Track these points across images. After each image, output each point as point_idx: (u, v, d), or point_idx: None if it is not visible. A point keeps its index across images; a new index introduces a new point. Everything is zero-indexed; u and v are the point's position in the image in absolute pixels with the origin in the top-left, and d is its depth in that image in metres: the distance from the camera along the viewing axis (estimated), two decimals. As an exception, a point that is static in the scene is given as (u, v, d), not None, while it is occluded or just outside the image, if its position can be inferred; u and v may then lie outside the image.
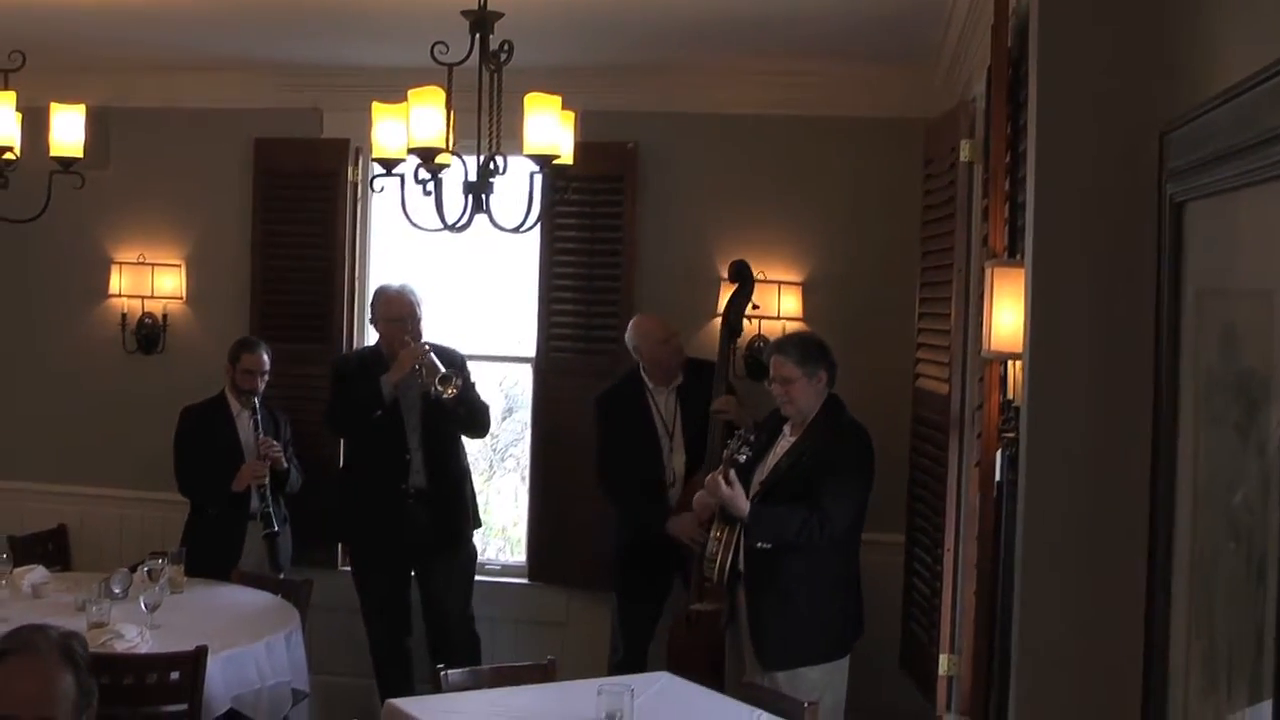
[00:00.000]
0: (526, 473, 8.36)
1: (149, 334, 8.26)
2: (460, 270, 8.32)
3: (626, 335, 7.17)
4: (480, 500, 7.78)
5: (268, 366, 7.40)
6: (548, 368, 7.93)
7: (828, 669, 6.00)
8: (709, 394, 6.87)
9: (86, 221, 8.04)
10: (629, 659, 6.97)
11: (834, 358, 6.15)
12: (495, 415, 8.29)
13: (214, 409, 7.46)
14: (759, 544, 5.98)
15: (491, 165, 4.80)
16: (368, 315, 7.63)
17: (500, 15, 4.77)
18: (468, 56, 4.72)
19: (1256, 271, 2.09)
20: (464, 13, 4.75)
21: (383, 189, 4.91)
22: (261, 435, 7.30)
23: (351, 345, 8.05)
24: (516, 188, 4.91)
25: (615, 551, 7.21)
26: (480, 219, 4.86)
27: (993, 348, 4.06)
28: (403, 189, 4.80)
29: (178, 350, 8.25)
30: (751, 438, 6.16)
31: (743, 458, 6.05)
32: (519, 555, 8.39)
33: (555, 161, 4.85)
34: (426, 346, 7.08)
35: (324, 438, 7.67)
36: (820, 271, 7.56)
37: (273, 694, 5.98)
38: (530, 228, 5.03)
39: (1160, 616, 2.53)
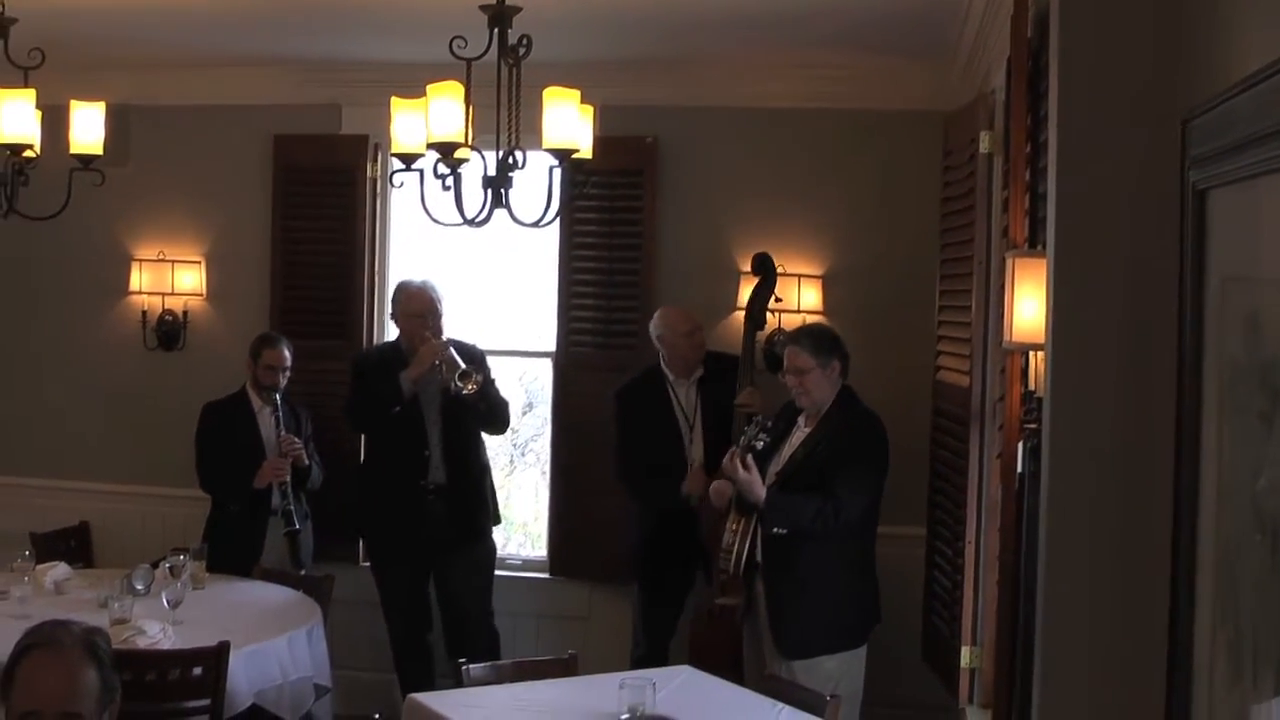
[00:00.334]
0: (547, 467, 8.36)
1: (169, 331, 8.27)
2: (480, 265, 8.32)
3: (651, 324, 7.17)
4: (501, 495, 7.78)
5: (289, 362, 7.40)
6: (568, 362, 7.93)
7: (845, 658, 6.02)
8: (729, 387, 6.86)
9: (107, 219, 8.05)
10: (651, 653, 6.97)
11: (847, 349, 6.19)
12: (515, 410, 8.28)
13: (235, 405, 7.47)
14: (774, 530, 5.98)
15: (511, 160, 4.78)
16: (388, 310, 7.63)
17: (519, 9, 4.76)
18: (486, 51, 4.71)
19: (1281, 259, 2.08)
20: (483, 7, 4.74)
21: (402, 184, 4.92)
22: (283, 432, 7.30)
23: (372, 341, 8.05)
24: (536, 182, 4.90)
25: (636, 545, 7.21)
26: (500, 214, 4.85)
27: (1014, 339, 4.05)
28: (422, 184, 4.80)
29: (198, 347, 8.26)
30: (769, 424, 6.19)
31: (760, 444, 6.08)
32: (540, 550, 8.39)
33: (574, 156, 4.84)
34: (447, 343, 7.08)
35: (345, 433, 7.68)
36: (840, 264, 7.55)
37: (295, 689, 5.99)
38: (549, 222, 5.02)
39: (1184, 607, 2.52)
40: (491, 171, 4.81)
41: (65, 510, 8.19)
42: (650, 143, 7.70)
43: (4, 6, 5.28)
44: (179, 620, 5.91)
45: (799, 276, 7.47)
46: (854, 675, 6.06)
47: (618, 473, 7.20)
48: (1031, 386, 4.32)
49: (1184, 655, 2.51)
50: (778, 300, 7.14)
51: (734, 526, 6.20)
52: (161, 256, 8.24)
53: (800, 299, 7.47)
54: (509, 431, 8.13)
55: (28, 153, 5.34)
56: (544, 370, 8.43)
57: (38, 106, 5.32)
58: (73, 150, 5.49)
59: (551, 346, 8.01)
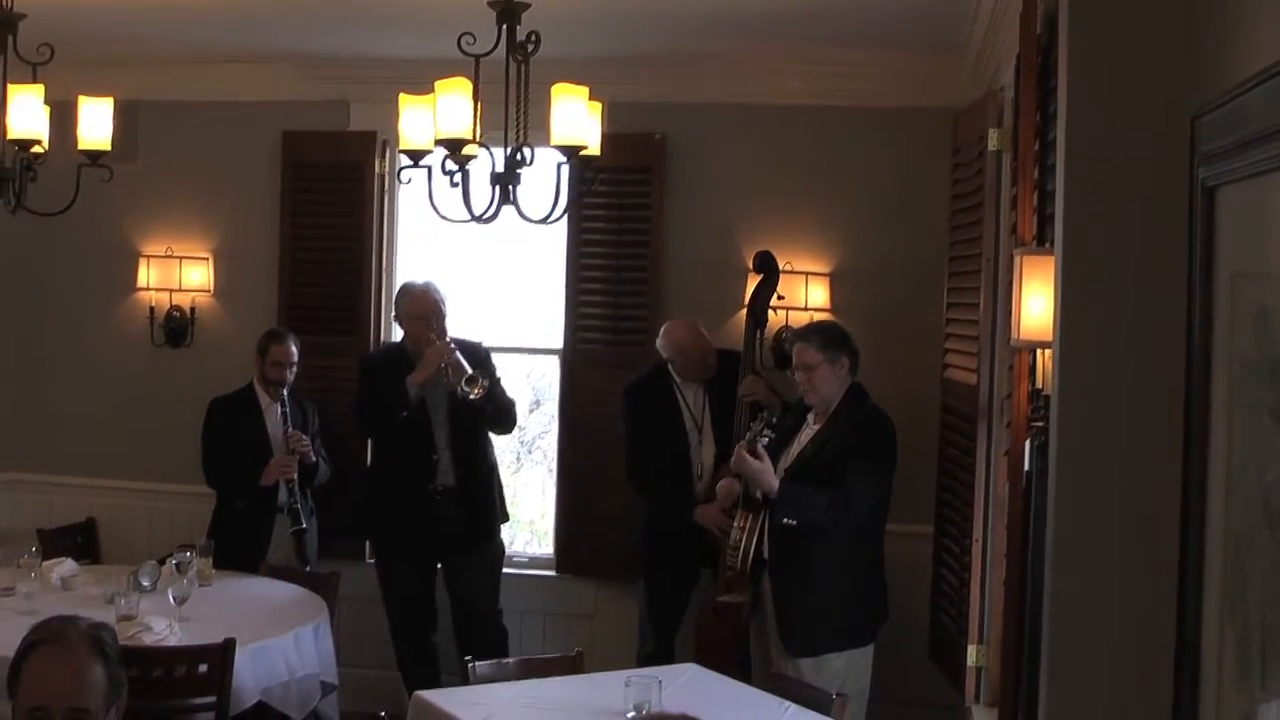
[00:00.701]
0: (554, 465, 8.36)
1: (177, 327, 8.27)
2: (487, 262, 8.32)
3: (659, 342, 7.16)
4: (508, 493, 7.77)
5: (296, 358, 7.40)
6: (575, 360, 7.93)
7: (852, 656, 6.01)
8: (736, 383, 6.85)
9: (115, 215, 8.06)
10: (658, 650, 6.96)
11: (855, 345, 6.17)
12: (522, 408, 8.28)
13: (242, 401, 7.47)
14: (784, 520, 5.96)
15: (519, 156, 4.78)
16: (393, 312, 7.62)
17: (527, 6, 4.75)
18: (495, 47, 4.70)
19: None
20: (491, 4, 4.73)
21: (410, 180, 4.92)
22: (290, 428, 7.31)
23: (379, 337, 8.05)
24: (544, 179, 4.90)
25: (643, 539, 7.20)
26: (507, 210, 4.85)
27: (1022, 336, 4.05)
28: (430, 180, 4.80)
29: (206, 343, 8.27)
30: (774, 420, 6.19)
31: (765, 440, 6.06)
32: (546, 547, 8.38)
33: (582, 153, 4.83)
34: (452, 346, 7.08)
35: (352, 429, 7.67)
36: (848, 262, 7.55)
37: (301, 686, 5.99)
38: (557, 219, 5.01)
39: (1192, 604, 2.51)
40: (499, 168, 4.81)
41: (72, 506, 8.21)
42: (658, 139, 7.69)
43: (13, 2, 5.27)
44: (185, 617, 5.92)
45: (806, 274, 7.47)
46: (861, 674, 6.05)
47: (629, 473, 7.20)
48: (1039, 384, 4.32)
49: (1192, 652, 2.51)
50: (780, 298, 7.13)
51: (741, 523, 6.20)
52: (169, 253, 8.24)
53: (808, 297, 7.47)
54: (515, 429, 8.12)
55: (36, 148, 5.33)
56: (551, 367, 8.42)
57: (46, 102, 5.31)
58: (81, 146, 5.48)
59: (559, 343, 8.00)
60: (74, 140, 5.50)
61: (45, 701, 3.27)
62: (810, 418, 6.22)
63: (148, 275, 8.27)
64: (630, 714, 4.78)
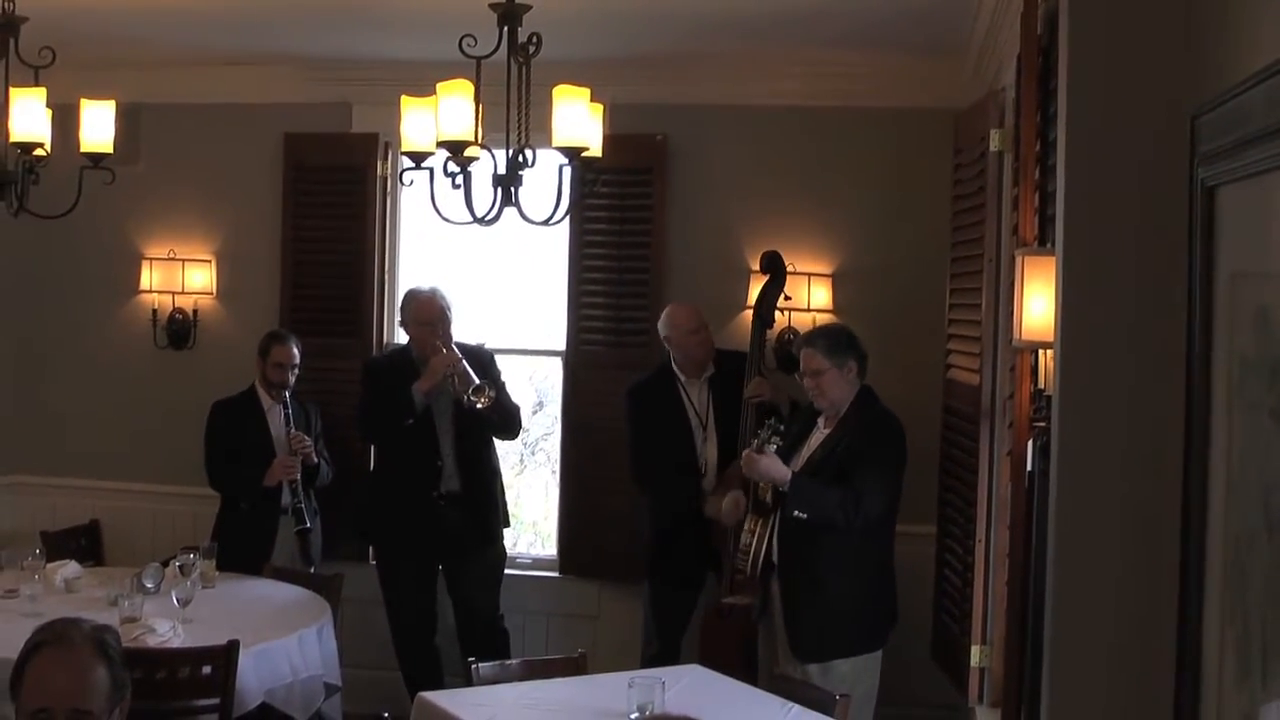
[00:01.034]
0: (557, 466, 8.35)
1: (179, 329, 8.28)
2: (489, 264, 8.31)
3: (659, 322, 7.18)
4: (510, 495, 7.79)
5: (298, 359, 7.40)
6: (577, 361, 7.93)
7: (860, 661, 5.97)
8: (741, 384, 6.85)
9: (117, 217, 8.07)
10: (664, 652, 6.95)
11: (864, 348, 6.14)
12: (525, 409, 8.27)
13: (244, 403, 7.47)
14: (795, 513, 5.95)
15: (520, 158, 4.79)
16: (398, 316, 7.62)
17: (529, 8, 4.76)
18: (496, 49, 4.72)
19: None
20: (492, 5, 4.75)
21: (412, 182, 4.92)
22: (293, 430, 7.31)
23: (381, 340, 8.06)
24: (545, 181, 4.90)
25: (649, 539, 7.20)
26: (509, 212, 4.86)
27: (1024, 337, 4.05)
28: (432, 182, 4.80)
29: (208, 345, 8.27)
30: (781, 427, 6.17)
31: (772, 447, 6.05)
32: (550, 549, 8.38)
33: (584, 154, 4.84)
34: (458, 355, 7.07)
35: (353, 431, 7.66)
36: (850, 263, 7.55)
37: (305, 688, 5.99)
38: (559, 221, 5.02)
39: (1193, 604, 2.52)
40: (501, 170, 4.82)
41: (76, 508, 8.22)
42: (660, 141, 7.70)
43: (14, 5, 5.28)
44: (189, 619, 5.92)
45: (809, 275, 7.47)
46: (869, 678, 6.01)
47: (633, 473, 7.21)
48: (1041, 384, 4.32)
49: (1193, 653, 2.51)
50: (787, 299, 7.13)
51: (751, 527, 6.20)
52: (172, 255, 8.25)
53: (810, 297, 7.47)
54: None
55: (38, 151, 5.34)
56: (554, 369, 8.42)
57: (48, 105, 5.32)
58: (83, 149, 5.49)
59: (561, 345, 8.00)
60: (76, 143, 5.51)
61: (48, 703, 3.27)
62: (820, 422, 6.20)
63: (150, 277, 8.28)
64: (633, 715, 4.78)
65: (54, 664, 3.32)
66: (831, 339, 6.17)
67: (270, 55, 7.70)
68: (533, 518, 9.68)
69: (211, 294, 8.29)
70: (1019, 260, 4.16)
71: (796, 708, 5.06)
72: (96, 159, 5.50)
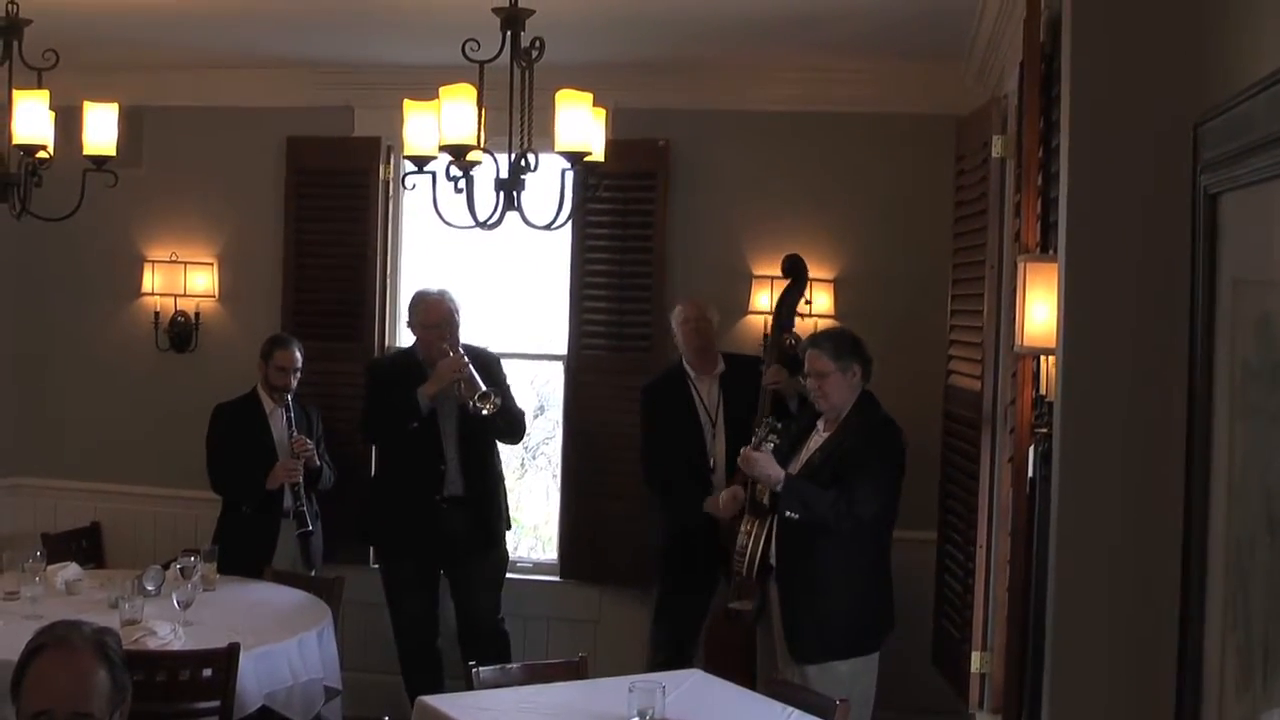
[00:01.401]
0: (558, 471, 8.35)
1: (181, 332, 8.29)
2: (492, 268, 8.31)
3: (672, 314, 7.28)
4: (512, 499, 7.78)
5: (300, 363, 7.40)
6: (579, 366, 7.93)
7: (857, 663, 5.99)
8: (751, 385, 6.84)
9: (119, 220, 8.07)
10: (673, 659, 6.90)
11: (868, 353, 6.14)
12: (527, 414, 8.27)
13: (246, 407, 7.47)
14: (788, 513, 5.95)
15: (523, 162, 4.79)
16: (400, 313, 7.61)
17: (531, 12, 4.76)
18: (499, 54, 4.71)
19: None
20: (495, 10, 4.75)
21: (414, 186, 4.91)
22: (295, 433, 7.31)
23: (383, 343, 8.06)
24: (548, 185, 4.90)
25: (660, 543, 7.20)
26: (512, 216, 4.85)
27: (1025, 343, 4.05)
28: (434, 186, 4.79)
29: (210, 348, 8.28)
30: (779, 425, 6.18)
31: (769, 446, 6.06)
32: (550, 553, 8.39)
33: (587, 158, 4.84)
34: (465, 360, 7.07)
35: (355, 434, 7.66)
36: (852, 268, 7.55)
37: (305, 691, 5.98)
38: (562, 225, 5.02)
39: (1195, 610, 2.51)
40: (504, 174, 4.81)
41: (77, 511, 8.23)
42: (663, 146, 7.70)
43: (18, 7, 5.29)
44: (189, 621, 5.92)
45: (811, 280, 7.45)
46: (866, 681, 6.03)
47: (645, 475, 7.22)
48: (1043, 391, 4.32)
49: (1194, 659, 2.51)
50: (808, 303, 7.14)
51: (747, 528, 6.21)
52: (174, 258, 8.25)
53: (813, 302, 7.46)
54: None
55: (41, 154, 5.34)
56: (555, 373, 8.43)
57: (51, 107, 5.32)
58: (86, 151, 5.50)
59: (563, 350, 8.01)
60: (79, 145, 5.52)
61: (49, 706, 3.26)
62: (820, 425, 6.21)
63: (152, 280, 8.28)
64: (634, 719, 4.78)
65: (55, 666, 3.32)
66: (837, 342, 6.18)
67: (273, 59, 7.70)
68: (533, 522, 9.68)
69: (213, 297, 8.29)
70: (1021, 266, 4.16)
71: (796, 712, 5.06)
72: (99, 161, 5.50)
